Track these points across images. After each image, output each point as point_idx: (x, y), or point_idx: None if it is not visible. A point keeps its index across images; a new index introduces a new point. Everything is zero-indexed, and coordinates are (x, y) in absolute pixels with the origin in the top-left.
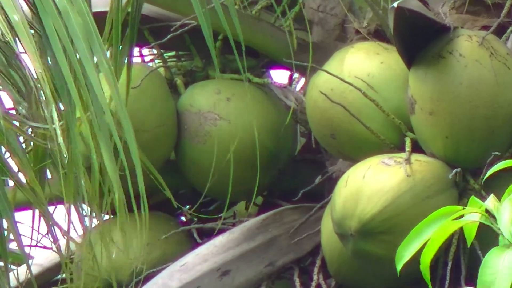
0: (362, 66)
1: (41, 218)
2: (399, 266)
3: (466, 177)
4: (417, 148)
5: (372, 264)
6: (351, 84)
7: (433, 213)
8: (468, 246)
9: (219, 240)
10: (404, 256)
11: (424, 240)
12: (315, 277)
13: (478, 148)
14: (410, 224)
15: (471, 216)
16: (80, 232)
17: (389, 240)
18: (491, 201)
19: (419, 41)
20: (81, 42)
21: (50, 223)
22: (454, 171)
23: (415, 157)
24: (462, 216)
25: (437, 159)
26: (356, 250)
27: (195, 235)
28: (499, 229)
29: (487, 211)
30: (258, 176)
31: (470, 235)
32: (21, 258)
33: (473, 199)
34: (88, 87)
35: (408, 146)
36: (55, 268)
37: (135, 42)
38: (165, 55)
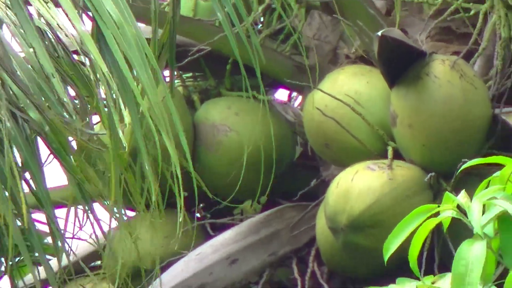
0: (351, 85)
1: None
2: (386, 257)
3: (439, 180)
4: (398, 155)
5: (359, 254)
6: (341, 101)
7: (414, 211)
8: (445, 232)
9: (228, 233)
10: (390, 248)
11: (407, 235)
12: (310, 265)
13: (450, 156)
14: (392, 219)
15: (446, 212)
16: (107, 227)
17: (374, 233)
18: (462, 197)
19: (400, 64)
20: (135, 51)
21: (92, 218)
22: (429, 175)
23: (396, 163)
24: (438, 212)
25: (415, 165)
26: (345, 242)
27: (208, 229)
28: (470, 222)
29: (458, 207)
30: (261, 179)
31: (444, 227)
32: (54, 250)
33: (447, 194)
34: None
35: (390, 154)
36: (88, 258)
37: (175, 65)
38: (183, 75)
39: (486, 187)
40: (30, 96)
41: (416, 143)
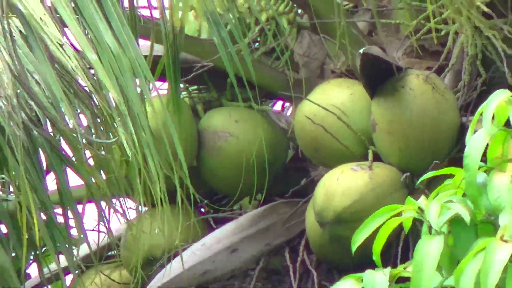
0: (337, 96)
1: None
2: (354, 248)
3: (414, 180)
4: (377, 158)
5: (343, 245)
6: (328, 110)
7: (379, 210)
8: (406, 231)
9: (229, 226)
10: (357, 241)
11: (371, 231)
12: (301, 254)
13: (423, 158)
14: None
15: (408, 213)
16: (123, 220)
17: (356, 227)
18: (422, 201)
19: (379, 78)
20: (128, 77)
21: (110, 213)
22: (404, 175)
23: (376, 165)
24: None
25: (392, 166)
26: (331, 234)
27: (211, 223)
28: (429, 221)
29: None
30: (255, 178)
31: (407, 225)
32: (75, 242)
33: (409, 199)
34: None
35: (370, 156)
36: (105, 248)
37: (179, 80)
38: (189, 88)
39: (437, 195)
40: (44, 110)
41: (394, 147)
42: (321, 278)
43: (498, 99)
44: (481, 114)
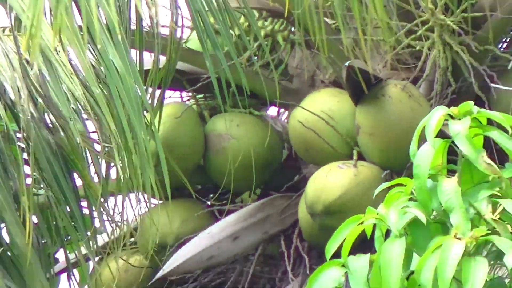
0: (325, 103)
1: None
2: (328, 256)
3: (393, 176)
4: (361, 158)
5: (331, 233)
6: (318, 116)
7: (346, 221)
8: (368, 237)
9: (231, 217)
10: (331, 249)
11: (341, 240)
12: (294, 241)
13: (401, 158)
14: (356, 206)
15: (369, 220)
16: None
17: (343, 217)
18: (381, 208)
19: (362, 87)
20: (132, 100)
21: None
22: (385, 172)
23: (360, 163)
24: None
25: (375, 165)
26: (321, 224)
27: (216, 214)
28: (389, 226)
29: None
30: (254, 175)
31: (369, 231)
32: (97, 231)
33: (369, 209)
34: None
35: (355, 156)
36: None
37: (166, 88)
38: (197, 96)
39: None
40: (58, 119)
41: (375, 147)
42: (312, 262)
43: (438, 114)
44: (423, 128)
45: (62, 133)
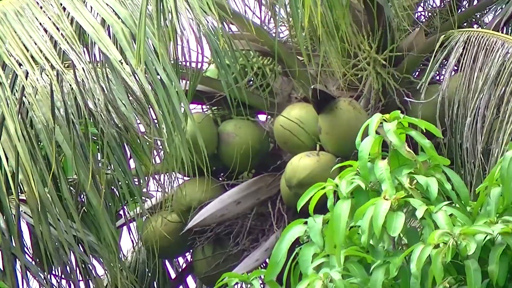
0: (298, 113)
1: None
2: (298, 207)
3: (342, 161)
4: (322, 149)
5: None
6: (293, 121)
7: (313, 186)
8: (329, 198)
9: (236, 188)
10: (301, 203)
11: (307, 198)
12: (277, 204)
13: (348, 149)
14: (319, 181)
15: (329, 187)
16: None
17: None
18: (337, 179)
19: (322, 102)
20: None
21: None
22: (337, 159)
23: (321, 153)
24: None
25: (331, 154)
26: (295, 193)
27: (226, 187)
28: (341, 192)
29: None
30: (250, 161)
31: (329, 194)
32: (147, 196)
33: (329, 180)
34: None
35: (318, 148)
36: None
37: (190, 102)
38: (212, 108)
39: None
40: (125, 121)
41: (331, 142)
42: (289, 219)
43: (376, 118)
44: (366, 126)
45: (125, 131)
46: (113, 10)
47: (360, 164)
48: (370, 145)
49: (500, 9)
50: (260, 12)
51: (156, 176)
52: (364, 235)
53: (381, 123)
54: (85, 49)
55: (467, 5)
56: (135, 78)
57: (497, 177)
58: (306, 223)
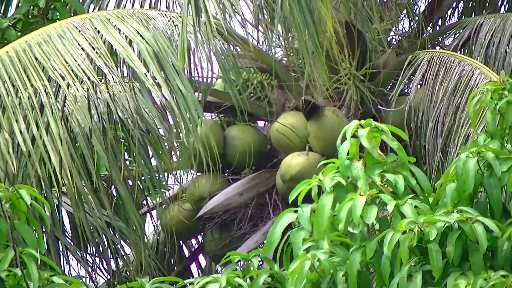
0: (291, 120)
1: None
2: (290, 200)
3: (327, 159)
4: (310, 150)
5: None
6: (287, 126)
7: (301, 182)
8: (313, 195)
9: (239, 182)
10: (292, 197)
11: (298, 192)
12: (273, 196)
13: (332, 149)
14: (308, 176)
15: (314, 182)
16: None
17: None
18: (321, 176)
19: (311, 110)
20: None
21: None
22: (323, 158)
23: (310, 153)
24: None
25: (318, 153)
26: (288, 186)
27: (230, 181)
28: (324, 186)
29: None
30: (252, 159)
31: (314, 189)
32: (165, 187)
33: (314, 176)
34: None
35: (307, 149)
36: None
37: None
38: (219, 116)
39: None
40: (148, 125)
41: (318, 144)
42: (283, 208)
43: (353, 125)
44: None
45: (148, 134)
46: (138, 32)
47: (340, 162)
48: (348, 147)
49: (458, 33)
50: (258, 36)
51: (173, 172)
52: (342, 223)
53: (358, 128)
54: (115, 64)
55: (431, 30)
56: (157, 89)
57: (452, 174)
58: (296, 211)
